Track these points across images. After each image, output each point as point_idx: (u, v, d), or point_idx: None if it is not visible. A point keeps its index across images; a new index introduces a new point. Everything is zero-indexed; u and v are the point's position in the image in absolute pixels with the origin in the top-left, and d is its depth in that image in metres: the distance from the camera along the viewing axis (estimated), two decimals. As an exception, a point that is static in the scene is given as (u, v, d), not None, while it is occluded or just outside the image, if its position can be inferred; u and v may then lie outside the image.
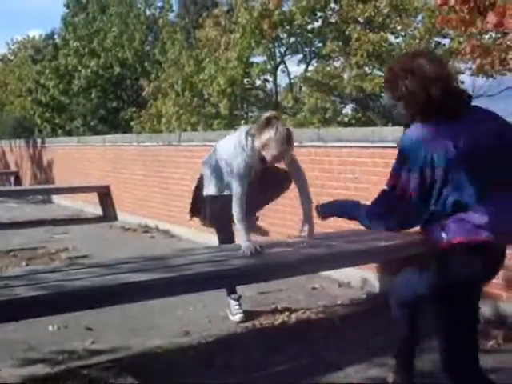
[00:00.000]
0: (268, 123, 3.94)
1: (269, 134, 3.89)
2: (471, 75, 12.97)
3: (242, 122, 14.42)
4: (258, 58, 16.11)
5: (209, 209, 4.47)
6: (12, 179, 17.06)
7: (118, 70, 21.44)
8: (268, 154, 3.95)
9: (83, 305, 3.22)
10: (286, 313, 4.61)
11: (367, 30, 13.04)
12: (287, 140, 3.92)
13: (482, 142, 2.40)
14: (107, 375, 3.50)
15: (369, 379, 3.42)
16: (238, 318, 4.46)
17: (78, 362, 3.75)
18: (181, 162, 8.29)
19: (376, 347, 3.85)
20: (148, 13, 23.10)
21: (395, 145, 5.05)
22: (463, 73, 13.24)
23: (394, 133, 5.21)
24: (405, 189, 2.41)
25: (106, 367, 3.62)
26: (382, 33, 12.92)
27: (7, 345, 3.98)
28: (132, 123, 17.95)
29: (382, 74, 13.20)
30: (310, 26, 15.56)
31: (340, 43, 13.68)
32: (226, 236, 4.54)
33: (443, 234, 2.42)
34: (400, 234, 4.79)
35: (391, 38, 13.82)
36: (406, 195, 2.41)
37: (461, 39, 11.19)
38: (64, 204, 12.34)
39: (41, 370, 3.64)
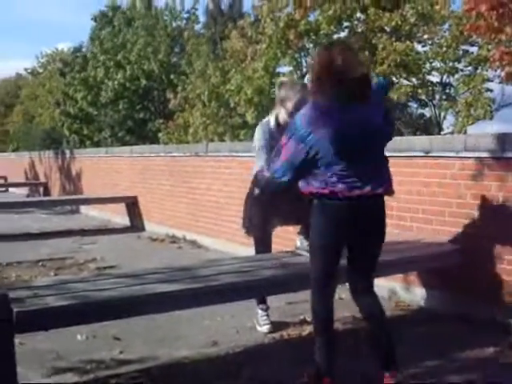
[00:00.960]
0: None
1: (284, 88, 4.24)
2: (500, 83, 12.84)
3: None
4: (285, 68, 16.14)
5: (250, 212, 4.49)
6: (41, 190, 17.30)
7: (144, 82, 21.65)
8: (288, 105, 4.15)
9: (111, 315, 3.24)
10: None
11: (393, 39, 12.97)
12: (301, 83, 4.43)
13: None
14: (135, 385, 3.51)
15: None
16: (265, 328, 4.45)
17: (106, 371, 3.76)
18: (208, 172, 8.31)
19: (404, 359, 3.81)
20: (174, 24, 23.30)
21: (423, 154, 5.04)
22: (492, 80, 13.12)
23: (422, 142, 5.18)
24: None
25: (134, 377, 3.62)
26: (409, 42, 12.84)
27: (36, 354, 4.00)
28: (160, 134, 18.08)
29: (409, 83, 13.13)
30: (335, 36, 15.53)
31: (366, 52, 13.62)
32: (263, 247, 4.56)
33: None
34: (428, 245, 4.77)
35: (418, 47, 13.74)
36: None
37: (489, 47, 11.08)
38: (92, 214, 12.45)
39: (69, 379, 3.66)
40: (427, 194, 5.01)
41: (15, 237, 9.41)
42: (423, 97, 14.66)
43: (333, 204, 3.18)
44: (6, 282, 6.01)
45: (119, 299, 3.17)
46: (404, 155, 5.20)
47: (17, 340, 3.29)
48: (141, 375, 3.65)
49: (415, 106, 16.08)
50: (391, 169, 5.27)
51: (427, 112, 16.69)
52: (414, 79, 13.46)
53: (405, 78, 13.32)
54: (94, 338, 4.35)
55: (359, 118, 3.13)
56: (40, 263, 7.13)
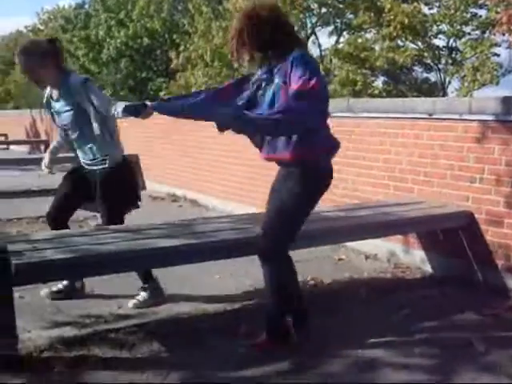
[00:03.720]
0: None
1: None
2: (507, 48, 12.69)
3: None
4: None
5: None
6: (42, 148, 17.25)
7: (146, 40, 21.43)
8: None
9: (110, 269, 3.24)
10: (312, 283, 4.59)
11: (400, 1, 12.77)
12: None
13: None
14: (134, 339, 3.52)
15: (393, 352, 3.40)
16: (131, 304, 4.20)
17: (104, 325, 3.78)
18: (209, 131, 8.24)
19: (402, 321, 3.83)
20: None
21: (426, 116, 4.99)
22: (500, 45, 12.97)
23: (424, 104, 5.13)
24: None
25: (133, 331, 3.63)
26: (416, 3, 12.62)
27: (36, 307, 4.03)
28: (161, 93, 17.97)
29: (415, 46, 12.97)
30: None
31: (372, 14, 13.43)
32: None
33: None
34: (428, 207, 4.76)
35: (425, 10, 13.52)
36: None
37: (498, 9, 10.91)
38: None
39: (68, 331, 3.68)
40: (429, 156, 4.98)
41: (16, 193, 9.38)
42: (429, 61, 14.48)
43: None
44: (1, 236, 6.03)
45: (118, 253, 3.17)
46: (407, 117, 5.16)
47: (16, 293, 3.31)
48: (140, 330, 3.66)
49: (420, 70, 15.90)
50: (396, 131, 5.28)
51: (432, 76, 16.52)
52: (419, 43, 13.30)
53: (410, 41, 13.15)
54: (94, 292, 4.38)
55: None
56: (40, 219, 7.12)
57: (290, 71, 3.02)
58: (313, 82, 2.94)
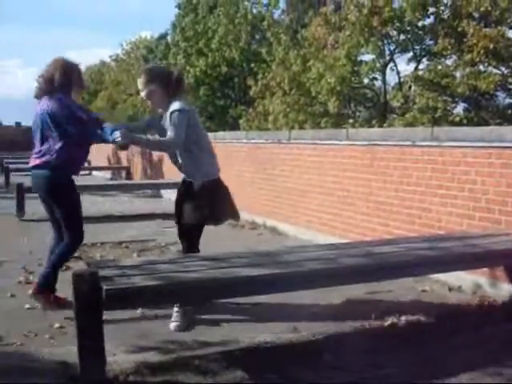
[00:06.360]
0: None
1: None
2: None
3: (350, 120, 14.22)
4: (366, 57, 15.85)
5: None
6: (123, 174, 17.77)
7: (225, 69, 21.83)
8: None
9: (199, 296, 3.28)
10: (396, 314, 4.50)
11: (482, 25, 12.46)
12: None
13: None
14: (217, 367, 3.54)
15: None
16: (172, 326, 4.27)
17: (188, 352, 3.82)
18: (289, 159, 8.30)
19: (490, 354, 3.70)
20: (255, 11, 23.26)
21: (514, 145, 4.85)
22: None
23: (513, 132, 4.99)
24: None
25: (216, 359, 3.65)
26: (499, 27, 12.26)
27: (121, 332, 4.11)
28: (240, 121, 18.20)
29: (499, 72, 12.63)
30: (420, 23, 15.15)
31: (452, 40, 13.18)
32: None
33: None
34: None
35: (509, 34, 13.13)
36: None
37: None
38: (173, 199, 12.61)
39: (153, 357, 3.73)
40: (518, 186, 4.82)
41: (99, 218, 9.68)
42: (513, 86, 14.06)
43: None
44: (91, 261, 6.21)
45: (207, 281, 3.20)
46: (494, 145, 5.03)
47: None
48: (223, 358, 3.68)
49: (503, 95, 15.47)
50: (482, 160, 5.12)
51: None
52: (503, 68, 12.93)
53: (494, 67, 12.81)
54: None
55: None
56: (123, 244, 7.32)
57: None
58: None
